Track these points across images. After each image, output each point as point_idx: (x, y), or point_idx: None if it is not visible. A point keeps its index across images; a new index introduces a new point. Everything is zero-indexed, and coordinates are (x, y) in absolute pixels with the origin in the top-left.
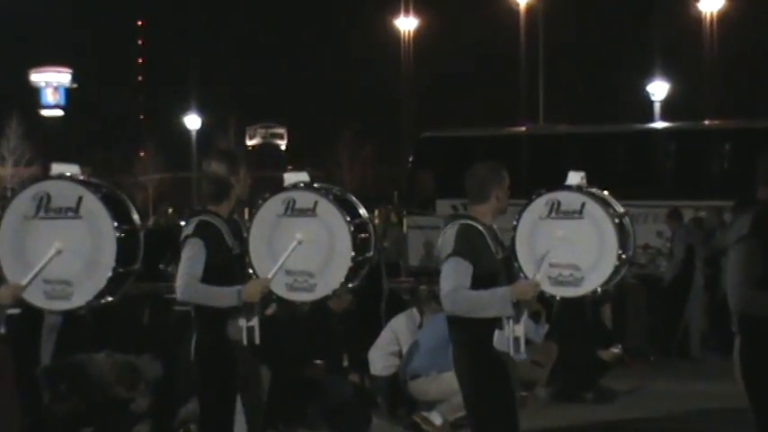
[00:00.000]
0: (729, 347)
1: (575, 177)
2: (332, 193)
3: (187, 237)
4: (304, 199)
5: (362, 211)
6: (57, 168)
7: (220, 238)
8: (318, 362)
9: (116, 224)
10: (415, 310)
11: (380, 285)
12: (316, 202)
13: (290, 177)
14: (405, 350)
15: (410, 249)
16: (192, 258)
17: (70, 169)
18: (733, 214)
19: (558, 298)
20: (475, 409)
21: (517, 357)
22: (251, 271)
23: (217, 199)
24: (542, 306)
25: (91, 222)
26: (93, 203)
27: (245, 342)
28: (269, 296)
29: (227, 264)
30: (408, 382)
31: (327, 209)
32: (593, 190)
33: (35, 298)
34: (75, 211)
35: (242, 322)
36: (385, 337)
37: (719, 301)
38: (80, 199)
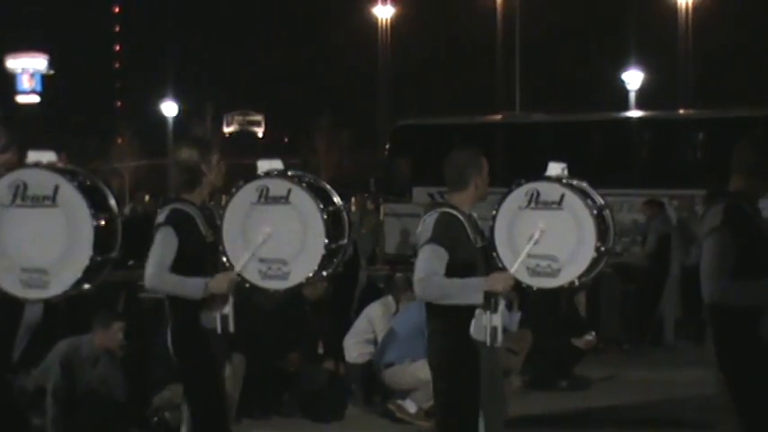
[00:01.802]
0: (703, 336)
1: (555, 168)
2: (305, 180)
3: (159, 225)
4: (277, 187)
5: (336, 199)
6: (33, 156)
7: (193, 226)
8: (293, 353)
9: (93, 212)
10: (390, 298)
11: (357, 274)
12: (289, 190)
13: (263, 165)
14: (380, 338)
15: (386, 237)
16: (162, 247)
17: (47, 157)
18: (704, 204)
19: (534, 289)
20: (441, 395)
21: (494, 347)
22: (224, 259)
23: (189, 186)
24: (516, 294)
25: (68, 211)
26: (69, 192)
27: (219, 330)
28: (241, 284)
29: (200, 252)
30: (383, 370)
31: (301, 196)
32: (574, 181)
33: (12, 286)
34: (51, 200)
35: (216, 311)
36: (360, 324)
37: (693, 290)
38: (57, 187)
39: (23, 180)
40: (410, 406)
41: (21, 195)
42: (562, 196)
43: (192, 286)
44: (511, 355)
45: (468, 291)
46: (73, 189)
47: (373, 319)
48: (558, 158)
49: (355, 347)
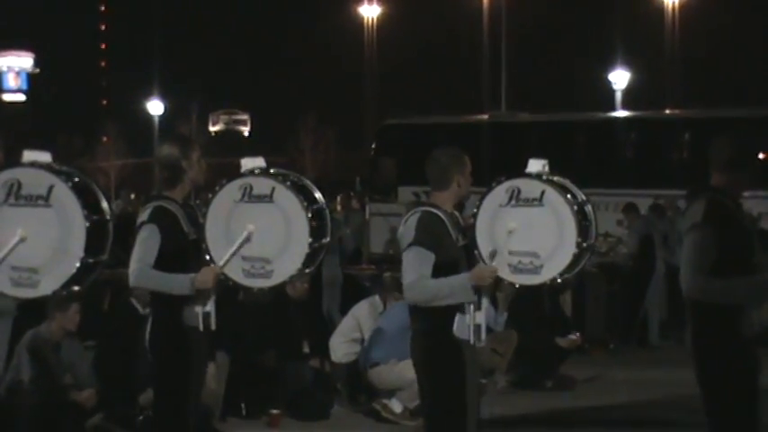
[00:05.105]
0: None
1: (535, 165)
2: (289, 179)
3: (143, 223)
4: (261, 185)
5: (318, 196)
6: (29, 156)
7: (176, 224)
8: (272, 352)
9: (86, 214)
10: (377, 298)
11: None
12: (273, 188)
13: (246, 163)
14: (366, 337)
15: (372, 236)
16: (145, 244)
17: (43, 157)
18: (687, 201)
19: (516, 286)
20: (427, 395)
21: (477, 345)
22: (207, 257)
23: (170, 183)
24: (505, 295)
25: (61, 211)
26: (64, 192)
27: (200, 328)
28: (224, 282)
29: (183, 249)
30: (368, 369)
31: (284, 195)
32: (554, 177)
33: (1, 284)
34: (45, 200)
35: (198, 308)
36: (347, 324)
37: (678, 289)
38: (51, 187)
39: (18, 178)
40: (396, 405)
41: (14, 194)
42: (542, 193)
43: (178, 282)
44: (496, 356)
45: (457, 289)
46: (67, 190)
47: (360, 319)
48: (543, 158)
49: (342, 347)
